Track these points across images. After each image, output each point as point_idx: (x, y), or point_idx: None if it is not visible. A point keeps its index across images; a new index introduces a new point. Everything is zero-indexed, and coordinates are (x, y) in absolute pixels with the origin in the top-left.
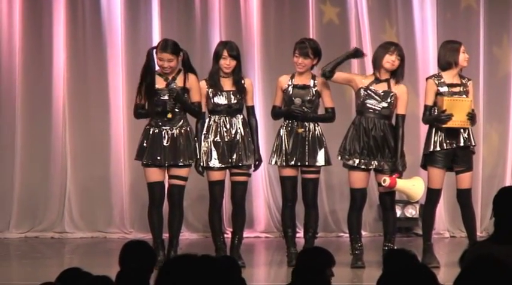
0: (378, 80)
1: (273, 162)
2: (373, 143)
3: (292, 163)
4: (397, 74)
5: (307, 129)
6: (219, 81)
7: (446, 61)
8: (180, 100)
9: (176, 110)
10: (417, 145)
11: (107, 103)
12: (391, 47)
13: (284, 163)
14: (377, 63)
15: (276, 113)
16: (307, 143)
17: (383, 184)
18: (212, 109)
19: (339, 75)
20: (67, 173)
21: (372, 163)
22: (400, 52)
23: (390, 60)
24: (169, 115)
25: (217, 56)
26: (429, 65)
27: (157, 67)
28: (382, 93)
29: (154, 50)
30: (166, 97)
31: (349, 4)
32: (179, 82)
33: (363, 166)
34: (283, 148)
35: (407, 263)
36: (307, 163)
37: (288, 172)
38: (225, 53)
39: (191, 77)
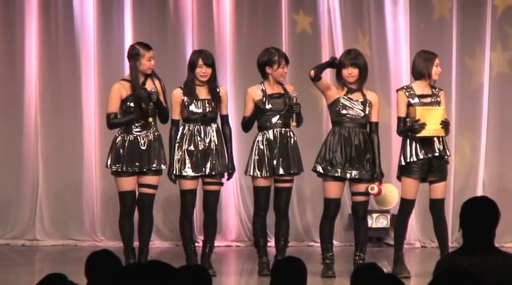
0: (351, 90)
1: (258, 174)
2: (355, 153)
3: (281, 172)
4: (361, 82)
5: (288, 136)
6: (194, 89)
7: (419, 72)
8: (159, 104)
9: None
10: (389, 154)
11: (79, 110)
12: (344, 59)
13: (268, 174)
14: (340, 80)
15: (247, 121)
16: (290, 151)
17: (371, 191)
18: (187, 117)
19: (324, 79)
20: (38, 181)
21: (352, 172)
22: (354, 61)
23: (347, 74)
24: (150, 119)
25: (193, 65)
26: (402, 75)
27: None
28: (361, 102)
29: (137, 58)
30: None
31: (322, 14)
32: (149, 87)
33: (344, 176)
34: (266, 159)
35: (375, 275)
36: (292, 172)
37: (263, 182)
38: (201, 62)
39: (159, 82)
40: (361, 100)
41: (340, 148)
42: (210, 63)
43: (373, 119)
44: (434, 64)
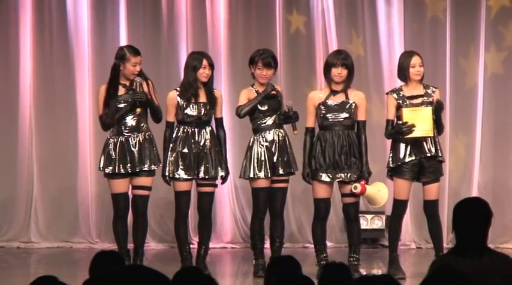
0: (334, 92)
1: (259, 175)
2: (339, 156)
3: (281, 172)
4: (347, 83)
5: (283, 136)
6: (197, 91)
7: (399, 76)
8: (150, 104)
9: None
10: (384, 155)
11: (73, 113)
12: (335, 58)
13: (269, 174)
14: (327, 77)
15: (246, 111)
16: (286, 151)
17: (354, 191)
18: (182, 119)
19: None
20: (33, 184)
21: (338, 176)
22: (344, 61)
23: (337, 73)
24: (139, 110)
25: (196, 67)
26: (395, 75)
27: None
28: (340, 105)
29: (122, 60)
30: (125, 104)
31: (316, 14)
32: (137, 88)
33: (328, 180)
34: (266, 159)
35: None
36: (291, 171)
37: (264, 183)
38: (205, 62)
39: (146, 82)
40: (344, 102)
41: (323, 152)
42: (213, 64)
43: (360, 118)
44: (411, 65)
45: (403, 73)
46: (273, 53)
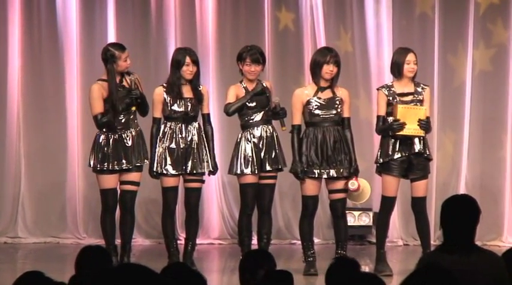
0: (322, 88)
1: (246, 171)
2: (332, 153)
3: (268, 168)
4: (335, 80)
5: (271, 132)
6: (180, 88)
7: (392, 70)
8: (143, 98)
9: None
10: (372, 151)
11: (62, 109)
12: (327, 55)
13: (256, 170)
14: (317, 73)
15: (234, 109)
16: (274, 147)
17: (351, 187)
18: (168, 115)
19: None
20: (21, 179)
21: (332, 172)
22: (336, 59)
23: (329, 70)
24: (134, 108)
25: (179, 63)
26: (384, 72)
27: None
28: (329, 101)
29: (113, 60)
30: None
31: (305, 10)
32: (125, 84)
33: (321, 176)
34: (254, 156)
35: (351, 272)
36: (279, 167)
37: (251, 178)
38: (188, 60)
39: (136, 76)
40: (332, 98)
41: (315, 149)
42: (197, 61)
43: (345, 115)
44: (406, 61)
45: (397, 69)
46: (261, 49)
